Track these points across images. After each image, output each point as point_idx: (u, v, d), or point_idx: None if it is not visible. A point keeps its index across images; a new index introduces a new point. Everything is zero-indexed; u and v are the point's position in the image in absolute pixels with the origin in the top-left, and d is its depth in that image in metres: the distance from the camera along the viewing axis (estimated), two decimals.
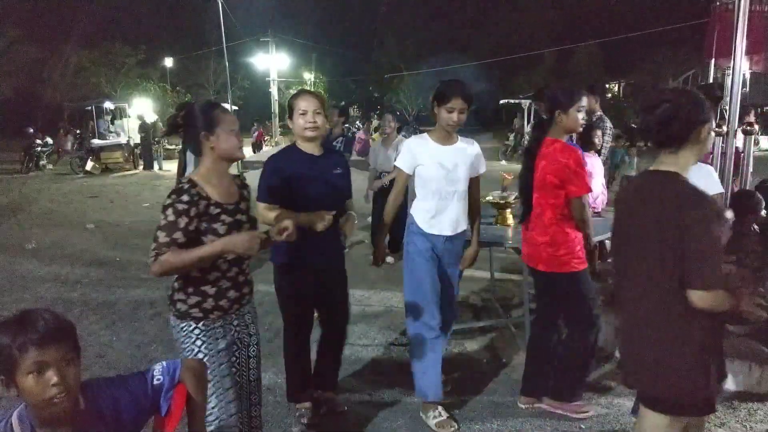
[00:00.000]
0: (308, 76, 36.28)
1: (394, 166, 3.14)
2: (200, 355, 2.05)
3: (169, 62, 32.31)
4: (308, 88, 33.43)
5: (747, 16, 3.37)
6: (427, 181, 2.90)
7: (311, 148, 2.77)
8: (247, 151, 20.29)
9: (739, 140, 4.03)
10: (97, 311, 4.71)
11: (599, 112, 5.42)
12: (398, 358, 3.77)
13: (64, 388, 1.30)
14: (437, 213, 2.90)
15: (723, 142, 3.54)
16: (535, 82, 32.17)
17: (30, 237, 7.53)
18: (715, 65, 4.63)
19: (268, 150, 21.97)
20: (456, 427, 2.92)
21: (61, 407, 1.33)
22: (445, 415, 2.96)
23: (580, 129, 3.02)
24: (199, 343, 2.08)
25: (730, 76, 3.57)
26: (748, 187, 4.11)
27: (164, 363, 1.61)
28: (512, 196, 3.91)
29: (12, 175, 15.29)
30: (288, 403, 3.14)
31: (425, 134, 3.01)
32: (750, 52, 3.98)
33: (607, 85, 36.26)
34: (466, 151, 2.92)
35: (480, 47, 36.59)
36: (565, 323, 3.03)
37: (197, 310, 2.08)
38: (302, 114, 2.68)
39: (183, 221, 1.95)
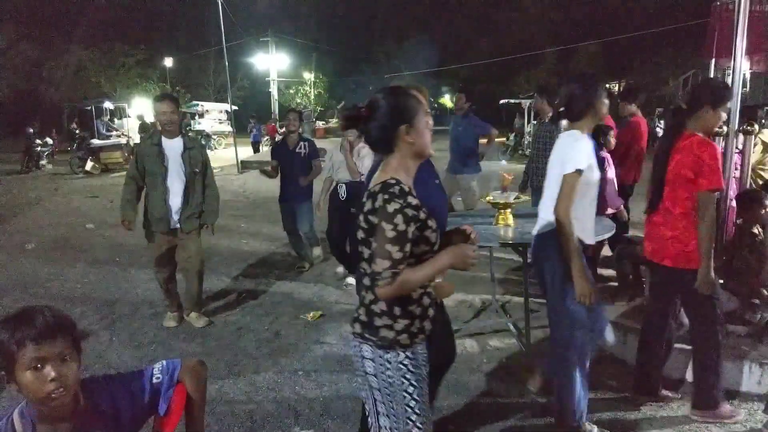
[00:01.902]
0: (308, 76, 36.32)
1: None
2: (410, 389, 1.81)
3: (168, 62, 32.33)
4: (307, 88, 33.57)
5: (747, 16, 3.37)
6: (591, 186, 2.64)
7: None
8: (247, 151, 20.33)
9: (739, 141, 4.03)
10: (97, 311, 4.71)
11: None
12: None
13: (62, 384, 1.31)
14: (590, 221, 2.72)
15: (723, 142, 3.54)
16: (535, 82, 32.19)
17: (30, 237, 7.53)
18: (715, 65, 4.63)
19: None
20: None
21: (60, 403, 1.33)
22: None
23: (717, 130, 2.93)
24: (408, 376, 1.80)
25: (730, 76, 3.57)
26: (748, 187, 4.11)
27: (164, 362, 1.61)
28: (512, 196, 3.91)
29: (12, 175, 15.29)
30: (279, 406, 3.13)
31: (575, 131, 2.66)
32: (750, 52, 3.98)
33: (607, 85, 36.27)
34: None
35: (480, 47, 36.60)
36: (690, 322, 2.95)
37: (405, 336, 1.80)
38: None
39: (411, 230, 1.69)
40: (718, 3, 4.26)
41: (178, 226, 4.13)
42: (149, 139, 4.24)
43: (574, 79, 2.78)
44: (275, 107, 29.06)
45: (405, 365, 1.79)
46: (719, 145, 3.57)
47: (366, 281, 1.81)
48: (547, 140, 4.91)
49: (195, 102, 28.72)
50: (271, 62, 29.88)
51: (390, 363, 1.79)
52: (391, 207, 1.67)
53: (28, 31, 28.15)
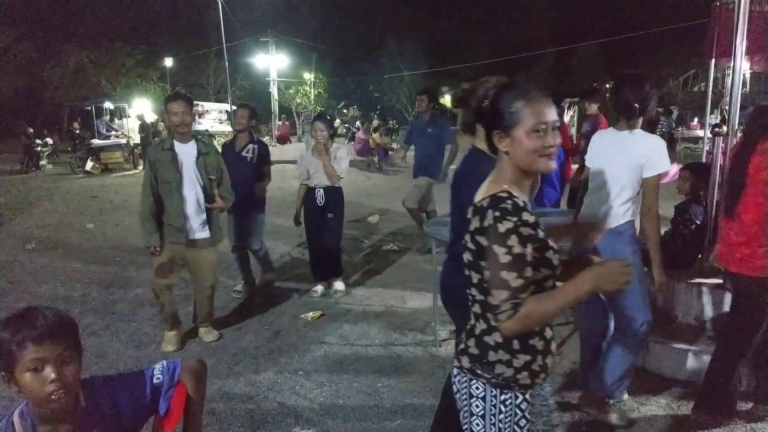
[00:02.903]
0: (308, 76, 36.29)
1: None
2: None
3: (168, 62, 32.32)
4: (307, 88, 33.57)
5: (747, 16, 3.37)
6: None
7: None
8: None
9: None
10: (97, 311, 4.71)
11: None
12: (398, 358, 3.77)
13: (63, 385, 1.31)
14: None
15: (723, 143, 3.54)
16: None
17: (30, 237, 7.53)
18: (715, 65, 4.63)
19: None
20: None
21: (61, 404, 1.33)
22: None
23: None
24: (522, 423, 1.56)
25: (730, 76, 3.57)
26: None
27: (164, 362, 1.61)
28: None
29: (12, 175, 15.29)
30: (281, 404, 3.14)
31: (638, 130, 2.77)
32: (750, 52, 3.99)
33: (607, 85, 36.29)
34: None
35: (480, 47, 36.59)
36: (728, 325, 2.92)
37: (526, 375, 1.54)
38: None
39: (529, 252, 1.45)
40: (718, 3, 4.26)
41: (196, 237, 3.85)
42: (161, 143, 3.91)
43: (626, 78, 2.84)
44: (275, 107, 29.05)
45: (522, 410, 1.55)
46: (719, 145, 3.58)
47: (476, 309, 1.59)
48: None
49: (195, 102, 28.69)
50: (271, 62, 29.86)
51: (505, 406, 1.55)
52: (503, 226, 1.44)
53: (28, 31, 28.14)
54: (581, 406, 3.01)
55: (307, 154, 4.90)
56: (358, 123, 25.92)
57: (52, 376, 1.30)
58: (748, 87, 5.09)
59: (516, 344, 1.52)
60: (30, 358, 1.29)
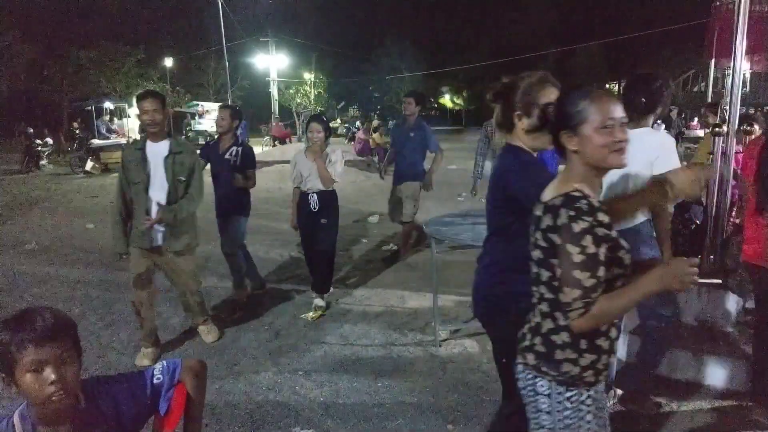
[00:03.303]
0: (308, 76, 36.29)
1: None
2: None
3: (169, 62, 32.34)
4: (307, 88, 33.57)
5: (747, 16, 3.37)
6: None
7: None
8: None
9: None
10: (97, 311, 4.71)
11: None
12: (398, 358, 3.77)
13: (62, 386, 1.31)
14: None
15: (723, 143, 3.54)
16: None
17: (30, 237, 7.53)
18: (715, 65, 4.64)
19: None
20: None
21: (61, 405, 1.33)
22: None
23: None
24: (589, 417, 1.61)
25: (730, 76, 3.57)
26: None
27: (164, 362, 1.61)
28: None
29: (12, 175, 15.29)
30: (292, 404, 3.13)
31: (647, 128, 2.79)
32: (750, 52, 3.99)
33: (607, 85, 36.30)
34: None
35: (480, 47, 36.61)
36: (762, 326, 2.92)
37: (591, 373, 1.58)
38: None
39: (602, 251, 1.48)
40: (718, 3, 4.26)
41: (160, 243, 3.63)
42: (134, 143, 3.74)
43: (638, 76, 2.87)
44: (275, 107, 29.06)
45: (587, 407, 1.60)
46: (719, 145, 3.58)
47: (543, 307, 1.62)
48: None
49: (195, 102, 28.73)
50: (271, 62, 29.89)
51: (571, 403, 1.59)
52: (578, 226, 1.46)
53: (28, 31, 28.14)
54: (619, 401, 3.04)
55: (300, 156, 4.62)
56: (358, 123, 25.90)
57: (52, 377, 1.29)
58: (748, 87, 5.09)
59: (583, 344, 1.56)
60: (30, 359, 1.29)
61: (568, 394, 1.59)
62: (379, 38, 40.01)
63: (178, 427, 1.59)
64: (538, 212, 1.60)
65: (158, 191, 3.59)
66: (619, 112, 1.55)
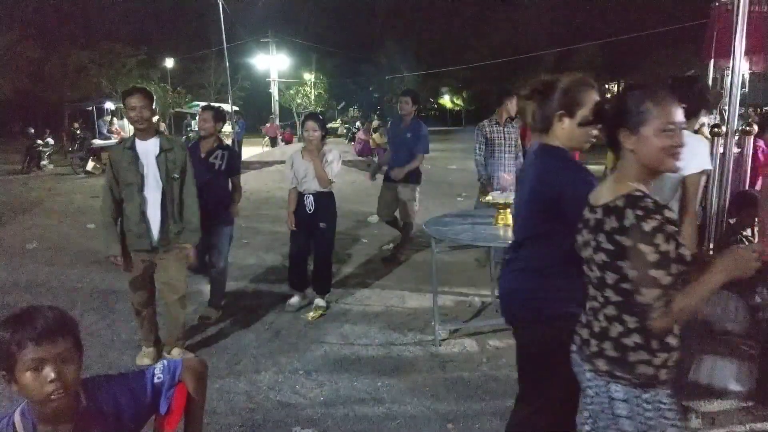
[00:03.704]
0: (308, 77, 36.32)
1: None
2: (672, 431, 1.61)
3: (169, 63, 32.37)
4: (308, 89, 33.59)
5: (747, 16, 3.38)
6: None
7: None
8: (248, 151, 20.33)
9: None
10: (97, 311, 4.72)
11: None
12: (398, 358, 3.77)
13: (62, 385, 1.31)
14: None
15: (722, 143, 3.55)
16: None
17: (30, 237, 7.54)
18: (714, 66, 4.64)
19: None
20: None
21: (61, 404, 1.33)
22: None
23: None
24: (669, 415, 1.60)
25: (729, 77, 3.58)
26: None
27: (165, 361, 1.62)
28: (512, 196, 3.91)
29: (13, 175, 15.30)
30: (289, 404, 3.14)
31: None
32: (750, 52, 3.99)
33: (606, 85, 36.31)
34: None
35: (480, 48, 36.61)
36: None
37: (665, 372, 1.60)
38: None
39: (672, 249, 1.49)
40: (717, 3, 4.27)
41: (157, 243, 3.53)
42: (122, 142, 3.59)
43: (680, 81, 2.94)
44: (276, 108, 29.08)
45: (665, 404, 1.60)
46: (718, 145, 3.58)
47: (609, 311, 1.62)
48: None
49: (195, 102, 28.72)
50: (272, 63, 29.91)
51: (649, 403, 1.59)
52: (648, 225, 1.47)
53: (29, 31, 28.18)
54: None
55: (296, 156, 4.49)
56: (358, 123, 25.89)
57: (52, 375, 1.30)
58: (747, 87, 5.09)
59: (655, 344, 1.57)
60: (30, 358, 1.29)
61: (646, 396, 1.59)
62: (379, 38, 40.04)
63: (179, 427, 1.60)
64: (596, 215, 1.61)
65: (153, 191, 3.49)
66: (680, 116, 1.57)
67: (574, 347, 1.83)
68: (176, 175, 3.53)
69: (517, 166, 5.37)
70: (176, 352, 3.73)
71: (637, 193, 1.54)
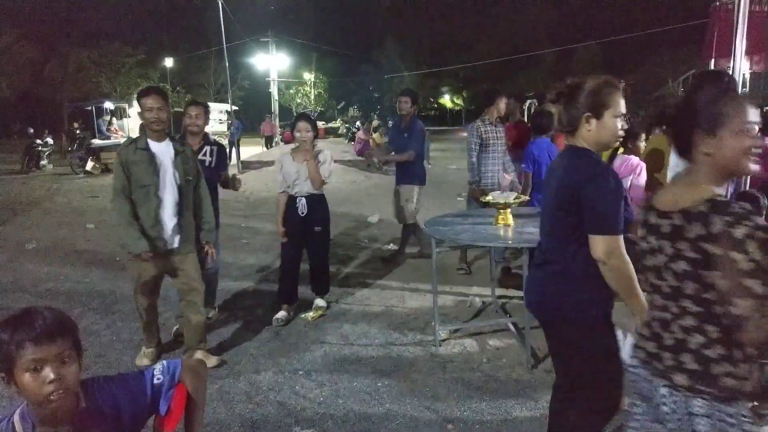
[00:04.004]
0: (308, 76, 36.34)
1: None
2: None
3: (169, 62, 32.38)
4: (308, 88, 33.60)
5: (747, 16, 3.38)
6: None
7: None
8: (249, 151, 20.32)
9: None
10: (97, 311, 4.72)
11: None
12: (398, 358, 3.77)
13: (61, 385, 1.31)
14: None
15: None
16: (535, 82, 32.22)
17: (30, 237, 7.53)
18: (714, 65, 4.64)
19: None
20: None
21: (60, 405, 1.33)
22: None
23: None
24: (750, 428, 1.53)
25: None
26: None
27: (164, 362, 1.61)
28: (512, 196, 3.91)
29: (12, 175, 15.30)
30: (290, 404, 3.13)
31: None
32: (750, 52, 3.99)
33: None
34: None
35: (480, 47, 36.61)
36: None
37: (748, 383, 1.52)
38: None
39: (765, 257, 1.41)
40: (718, 3, 4.27)
41: (175, 246, 3.45)
42: (132, 143, 3.45)
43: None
44: (275, 107, 29.10)
45: (746, 417, 1.51)
46: None
47: (688, 321, 1.55)
48: None
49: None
50: (272, 62, 29.93)
51: (732, 417, 1.50)
52: (739, 231, 1.38)
53: (29, 31, 28.17)
54: None
55: (285, 157, 4.33)
56: (358, 123, 25.90)
57: (51, 376, 1.30)
58: (747, 87, 5.09)
59: (738, 354, 1.49)
60: (29, 359, 1.29)
61: (729, 410, 1.50)
62: (379, 38, 40.04)
63: (179, 428, 1.59)
64: (671, 221, 1.54)
65: (168, 193, 3.41)
66: (756, 114, 1.51)
67: (635, 361, 1.74)
68: (191, 178, 3.51)
69: (506, 165, 5.37)
70: (200, 355, 3.61)
71: (721, 198, 1.47)
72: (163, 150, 3.42)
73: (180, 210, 3.45)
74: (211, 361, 3.63)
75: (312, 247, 4.48)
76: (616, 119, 2.00)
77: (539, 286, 2.23)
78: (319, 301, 4.62)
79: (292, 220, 4.34)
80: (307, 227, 4.35)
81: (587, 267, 1.98)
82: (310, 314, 4.49)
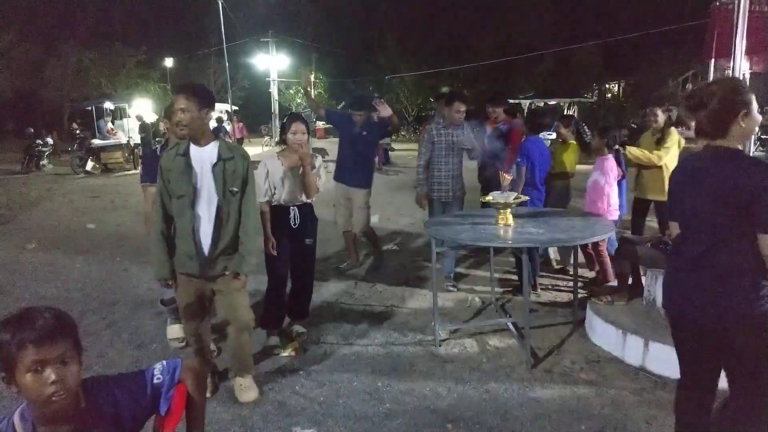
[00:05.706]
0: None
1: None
2: None
3: (169, 62, 32.37)
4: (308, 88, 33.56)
5: (747, 16, 3.38)
6: None
7: None
8: (249, 151, 20.23)
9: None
10: (97, 311, 4.72)
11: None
12: (398, 358, 3.77)
13: (63, 386, 1.31)
14: None
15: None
16: (535, 82, 32.22)
17: (30, 237, 7.53)
18: (715, 65, 4.64)
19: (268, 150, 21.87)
20: None
21: (61, 405, 1.33)
22: None
23: None
24: None
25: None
26: None
27: (164, 362, 1.61)
28: (512, 196, 3.91)
29: (12, 175, 15.30)
30: (288, 404, 3.13)
31: None
32: (750, 52, 4.00)
33: (607, 85, 36.32)
34: None
35: (480, 48, 36.58)
36: None
37: None
38: None
39: None
40: (718, 3, 4.27)
41: (216, 268, 3.03)
42: (174, 148, 3.05)
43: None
44: (275, 107, 29.10)
45: None
46: None
47: None
48: None
49: None
50: (272, 62, 29.93)
51: None
52: None
53: (29, 31, 28.18)
54: None
55: (270, 162, 3.78)
56: None
57: (53, 377, 1.30)
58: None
59: None
60: (30, 359, 1.29)
61: None
62: (378, 38, 39.99)
63: (179, 428, 1.59)
64: None
65: (205, 206, 2.97)
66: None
67: None
68: (235, 189, 2.98)
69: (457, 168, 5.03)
70: (241, 383, 3.24)
71: None
72: (203, 155, 2.96)
73: (218, 225, 2.98)
74: (252, 393, 3.23)
75: (299, 263, 3.93)
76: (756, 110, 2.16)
77: (698, 290, 2.18)
78: (299, 328, 4.05)
79: (284, 233, 3.80)
80: (297, 240, 3.86)
81: (759, 265, 2.04)
82: (289, 349, 3.85)
